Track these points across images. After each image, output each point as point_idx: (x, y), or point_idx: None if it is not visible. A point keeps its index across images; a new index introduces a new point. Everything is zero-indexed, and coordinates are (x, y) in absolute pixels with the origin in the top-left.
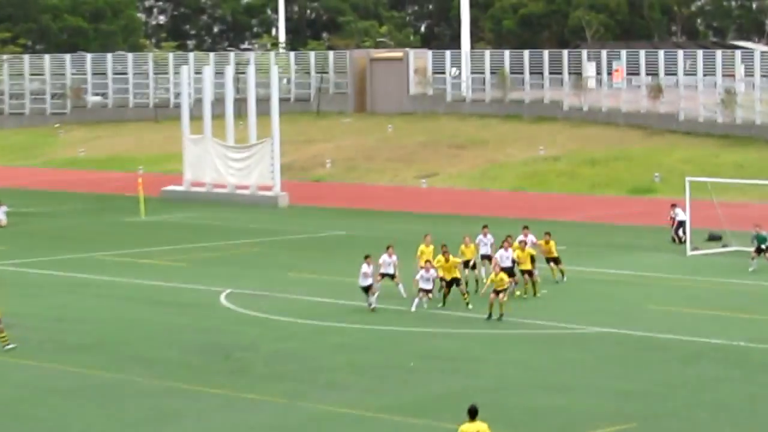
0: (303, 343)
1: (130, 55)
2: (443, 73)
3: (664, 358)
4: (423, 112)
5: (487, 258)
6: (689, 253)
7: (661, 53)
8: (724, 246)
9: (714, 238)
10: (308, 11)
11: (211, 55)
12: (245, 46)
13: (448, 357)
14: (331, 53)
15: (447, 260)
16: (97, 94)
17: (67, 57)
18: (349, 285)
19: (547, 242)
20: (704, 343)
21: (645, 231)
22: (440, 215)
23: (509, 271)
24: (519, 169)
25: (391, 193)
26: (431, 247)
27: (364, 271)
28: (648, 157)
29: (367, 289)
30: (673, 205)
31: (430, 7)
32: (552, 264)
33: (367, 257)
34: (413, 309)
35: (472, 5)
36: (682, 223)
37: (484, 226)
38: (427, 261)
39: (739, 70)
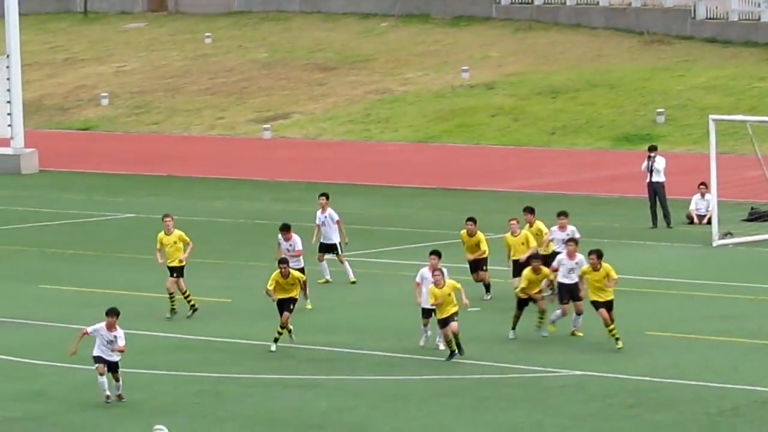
0: (63, 404)
1: None
2: None
3: (677, 420)
4: (264, 10)
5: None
6: (716, 242)
7: None
8: None
9: (759, 216)
10: None
11: None
12: None
13: (312, 423)
14: None
15: (286, 275)
16: None
17: None
18: (148, 303)
19: (531, 224)
20: (743, 393)
21: (642, 205)
22: (296, 184)
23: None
24: (427, 106)
25: (213, 148)
26: (172, 235)
27: None
28: (645, 83)
29: None
30: (652, 149)
31: None
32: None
33: None
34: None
35: None
36: (658, 188)
37: (561, 214)
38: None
39: None
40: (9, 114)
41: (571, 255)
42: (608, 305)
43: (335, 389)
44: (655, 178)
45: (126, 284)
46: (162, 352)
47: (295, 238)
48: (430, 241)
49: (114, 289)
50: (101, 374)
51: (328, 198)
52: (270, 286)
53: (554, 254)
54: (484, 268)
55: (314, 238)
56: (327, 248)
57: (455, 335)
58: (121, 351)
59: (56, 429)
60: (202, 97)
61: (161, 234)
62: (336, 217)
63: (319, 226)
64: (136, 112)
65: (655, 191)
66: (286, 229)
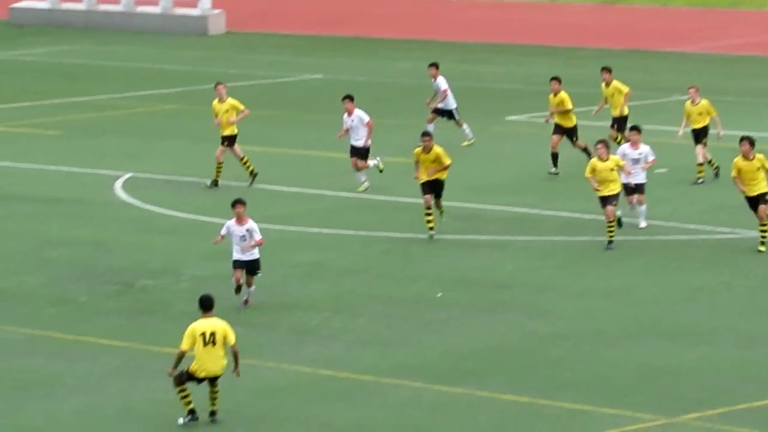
0: None
1: None
2: None
3: None
4: None
5: None
6: None
7: None
8: None
9: None
10: None
11: None
12: None
13: (498, 283)
14: None
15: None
16: None
17: None
18: (329, 163)
19: (608, 84)
20: None
21: None
22: (481, 45)
23: None
24: None
25: (399, 9)
26: (225, 103)
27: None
28: None
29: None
30: None
31: None
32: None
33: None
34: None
35: None
36: None
37: None
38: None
39: None
40: None
41: None
42: (760, 199)
43: (522, 249)
44: None
45: (314, 144)
46: (350, 212)
47: (358, 112)
48: None
49: (302, 150)
50: (238, 283)
51: (437, 67)
52: (415, 161)
53: None
54: (575, 138)
55: (430, 100)
56: (440, 113)
57: (617, 218)
58: (260, 245)
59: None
60: None
61: (215, 102)
62: (444, 87)
63: (436, 92)
64: None
65: None
66: (348, 98)
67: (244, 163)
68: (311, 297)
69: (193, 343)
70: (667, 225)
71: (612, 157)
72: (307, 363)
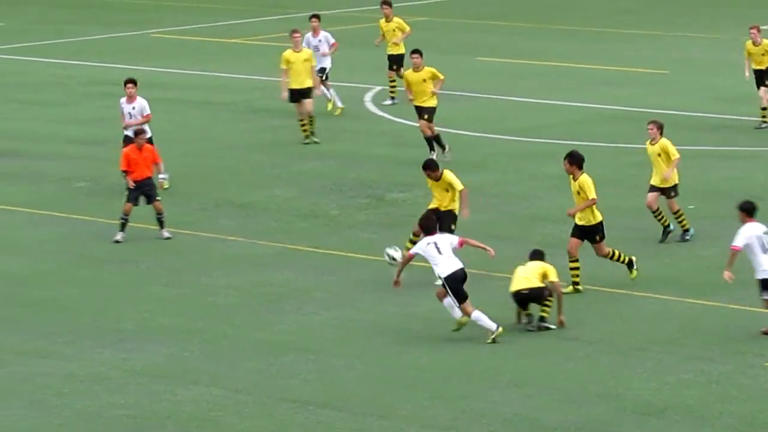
0: (502, 175)
1: None
2: None
3: None
4: None
5: None
6: None
7: None
8: None
9: None
10: None
11: None
12: None
13: (751, 194)
14: None
15: None
16: None
17: None
18: (585, 74)
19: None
20: None
21: None
22: None
23: None
24: None
25: None
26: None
27: None
28: None
29: None
30: None
31: None
32: None
33: None
34: None
35: None
36: None
37: None
38: None
39: None
40: None
41: None
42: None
43: None
44: None
45: (562, 55)
46: (601, 123)
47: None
48: None
49: (549, 61)
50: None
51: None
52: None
53: None
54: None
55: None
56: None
57: None
58: None
59: (495, 200)
60: None
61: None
62: (333, 40)
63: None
64: None
65: None
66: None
67: None
68: (562, 209)
69: None
70: None
71: None
72: None
